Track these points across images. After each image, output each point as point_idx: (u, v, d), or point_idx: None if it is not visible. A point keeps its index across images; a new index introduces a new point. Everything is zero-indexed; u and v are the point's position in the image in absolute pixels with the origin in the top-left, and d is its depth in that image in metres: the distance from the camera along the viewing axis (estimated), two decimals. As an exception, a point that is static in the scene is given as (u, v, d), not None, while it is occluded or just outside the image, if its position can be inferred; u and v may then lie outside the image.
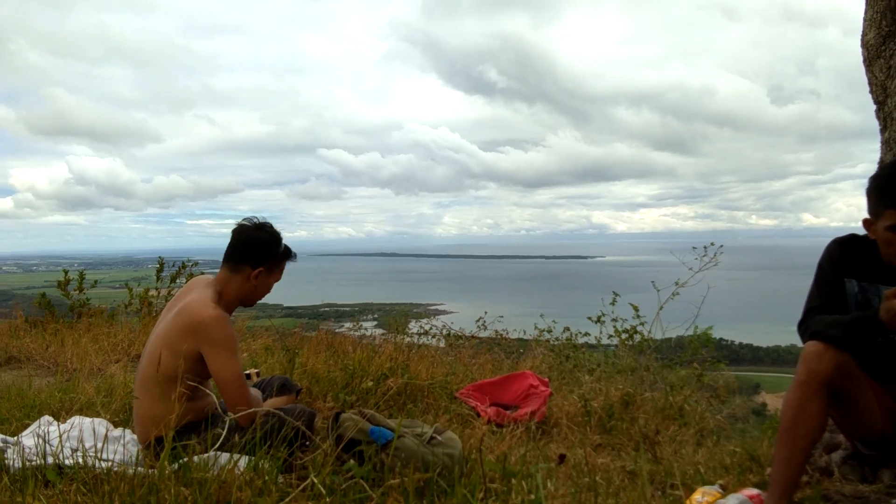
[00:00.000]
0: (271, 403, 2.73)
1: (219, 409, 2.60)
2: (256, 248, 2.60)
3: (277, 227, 2.70)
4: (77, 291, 6.91)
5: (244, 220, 2.68)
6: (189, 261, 7.50)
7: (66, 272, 6.97)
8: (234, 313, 2.69)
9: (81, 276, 7.05)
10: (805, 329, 2.16)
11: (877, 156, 2.71)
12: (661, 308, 5.44)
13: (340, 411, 2.53)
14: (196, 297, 2.50)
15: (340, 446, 2.19)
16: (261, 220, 2.68)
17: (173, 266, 7.31)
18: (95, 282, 7.50)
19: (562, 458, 2.35)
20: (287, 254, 2.71)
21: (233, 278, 2.60)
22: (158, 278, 7.17)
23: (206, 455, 2.03)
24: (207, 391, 2.49)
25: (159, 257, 7.38)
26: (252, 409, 2.36)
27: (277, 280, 2.72)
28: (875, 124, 2.72)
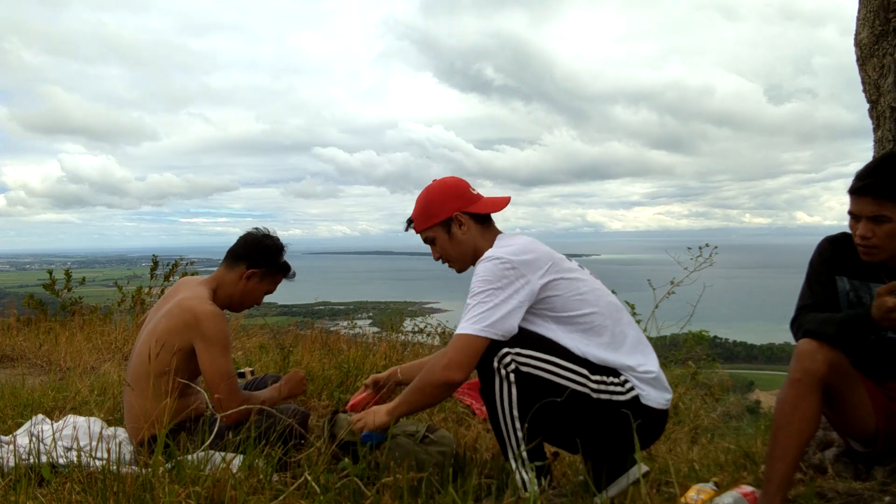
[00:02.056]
0: (268, 393, 2.72)
1: (210, 407, 2.59)
2: (256, 250, 2.64)
3: (272, 225, 2.76)
4: (65, 290, 6.89)
5: (255, 228, 2.73)
6: (182, 259, 7.49)
7: (50, 272, 6.97)
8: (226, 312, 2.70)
9: (67, 274, 7.06)
10: (798, 327, 2.16)
11: (870, 154, 2.72)
12: (656, 306, 5.43)
13: (336, 410, 2.53)
14: (190, 293, 2.51)
15: (335, 444, 2.19)
16: (271, 233, 2.74)
17: (167, 265, 7.31)
18: (83, 279, 7.48)
19: (555, 455, 2.36)
20: (284, 268, 2.74)
21: (227, 276, 2.62)
22: (152, 276, 7.16)
23: (199, 453, 2.03)
24: (199, 389, 2.48)
25: (153, 255, 7.37)
26: (242, 407, 2.35)
27: (269, 291, 2.75)
28: (869, 123, 2.73)
